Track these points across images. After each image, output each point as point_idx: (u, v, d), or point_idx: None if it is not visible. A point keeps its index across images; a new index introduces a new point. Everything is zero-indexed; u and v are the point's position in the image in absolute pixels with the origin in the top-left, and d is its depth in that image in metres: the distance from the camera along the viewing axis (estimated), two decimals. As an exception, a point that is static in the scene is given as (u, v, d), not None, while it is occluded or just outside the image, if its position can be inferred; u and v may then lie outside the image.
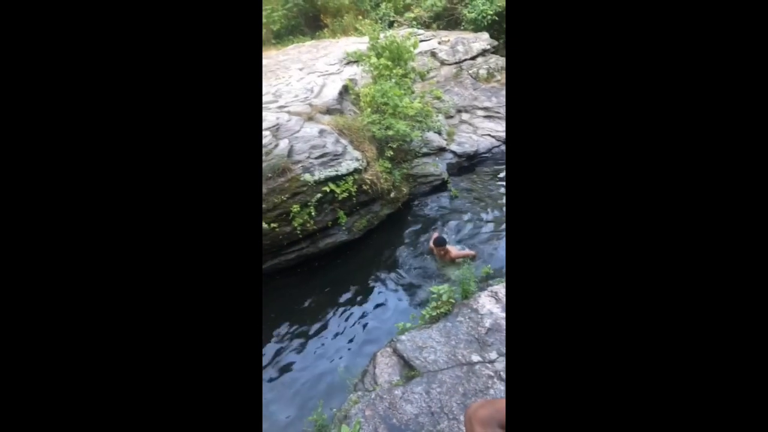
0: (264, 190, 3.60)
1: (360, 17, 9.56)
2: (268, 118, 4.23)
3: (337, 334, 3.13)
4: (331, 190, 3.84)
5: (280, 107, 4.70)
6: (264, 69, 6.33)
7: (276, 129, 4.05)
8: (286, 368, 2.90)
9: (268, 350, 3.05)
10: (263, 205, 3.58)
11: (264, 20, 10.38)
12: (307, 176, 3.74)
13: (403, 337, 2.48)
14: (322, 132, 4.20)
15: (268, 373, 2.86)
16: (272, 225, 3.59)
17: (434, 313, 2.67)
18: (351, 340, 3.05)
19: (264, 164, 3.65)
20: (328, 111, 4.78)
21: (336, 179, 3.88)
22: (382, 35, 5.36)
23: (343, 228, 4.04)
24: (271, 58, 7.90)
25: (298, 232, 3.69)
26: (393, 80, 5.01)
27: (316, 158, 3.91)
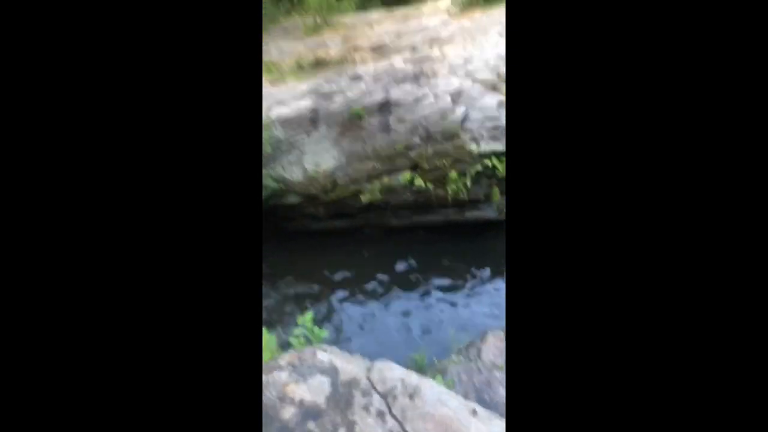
0: (430, 151, 3.85)
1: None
2: (452, 82, 4.34)
3: (455, 301, 3.28)
4: (493, 165, 3.78)
5: (467, 73, 4.71)
6: (462, 32, 6.32)
7: (457, 94, 4.14)
8: (403, 309, 3.27)
9: (394, 284, 3.48)
10: (425, 166, 3.85)
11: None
12: (473, 146, 3.78)
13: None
14: (500, 104, 4.07)
15: (394, 305, 3.29)
16: (428, 185, 3.85)
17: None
18: (469, 310, 3.16)
19: (437, 127, 3.85)
20: (515, 82, 4.52)
21: (501, 155, 3.78)
22: None
23: (494, 206, 3.97)
24: (474, 20, 7.76)
25: (450, 198, 3.85)
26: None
27: (488, 130, 3.86)
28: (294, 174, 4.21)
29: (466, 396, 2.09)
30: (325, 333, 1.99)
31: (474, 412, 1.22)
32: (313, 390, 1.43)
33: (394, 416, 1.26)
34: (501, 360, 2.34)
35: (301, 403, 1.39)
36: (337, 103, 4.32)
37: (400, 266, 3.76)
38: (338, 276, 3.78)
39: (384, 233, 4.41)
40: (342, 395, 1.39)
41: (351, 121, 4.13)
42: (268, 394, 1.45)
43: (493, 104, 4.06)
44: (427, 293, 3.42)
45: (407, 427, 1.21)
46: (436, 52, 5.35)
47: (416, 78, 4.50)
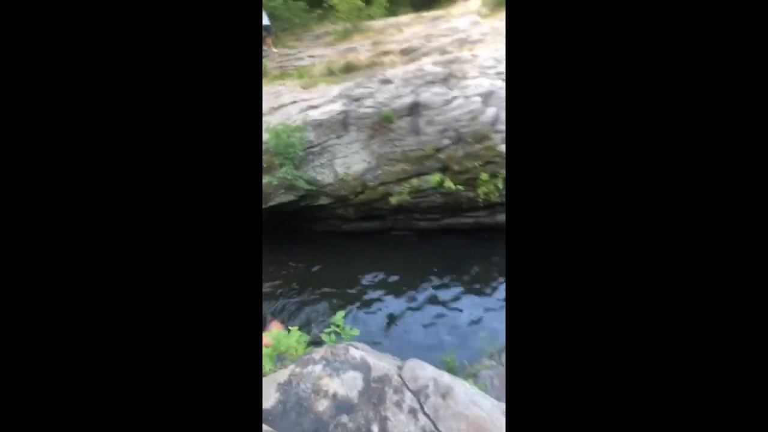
0: (460, 153, 3.82)
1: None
2: (483, 83, 4.30)
3: (487, 306, 3.23)
4: (526, 167, 3.70)
5: (498, 73, 4.65)
6: (493, 32, 6.24)
7: (488, 95, 4.09)
8: (433, 312, 3.25)
9: (424, 288, 3.47)
10: (455, 168, 3.83)
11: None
12: (502, 147, 3.72)
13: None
14: (534, 104, 3.98)
15: (421, 312, 3.29)
16: (458, 187, 3.82)
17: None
18: (502, 314, 3.10)
19: (467, 128, 3.82)
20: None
21: (534, 156, 3.69)
22: None
23: (527, 208, 3.88)
24: (503, 20, 7.65)
25: (480, 200, 3.80)
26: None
27: (520, 131, 3.78)
28: (325, 176, 4.32)
29: (498, 400, 2.06)
30: (356, 332, 2.02)
31: (508, 414, 1.21)
32: (347, 384, 1.47)
33: (426, 414, 1.26)
34: (534, 365, 2.28)
35: (334, 397, 1.43)
36: (367, 106, 4.39)
37: (430, 269, 3.75)
38: (368, 277, 3.82)
39: (413, 236, 4.41)
40: (374, 391, 1.42)
41: (381, 124, 4.18)
42: (303, 387, 1.49)
43: (525, 104, 3.98)
44: (457, 297, 3.39)
45: (440, 426, 1.21)
46: (466, 53, 5.31)
47: (446, 80, 4.49)
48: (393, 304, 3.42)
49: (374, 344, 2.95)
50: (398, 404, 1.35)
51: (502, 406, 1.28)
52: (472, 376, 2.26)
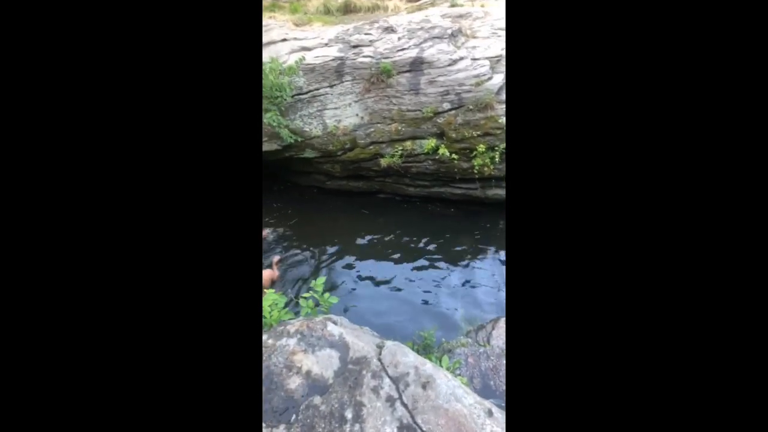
0: (460, 120, 3.60)
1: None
2: (493, 45, 3.97)
3: (467, 282, 3.21)
4: (525, 143, 3.54)
5: (510, 36, 4.30)
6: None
7: (497, 60, 3.80)
8: (413, 282, 3.21)
9: (407, 256, 3.41)
10: (452, 135, 3.62)
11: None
12: (504, 120, 3.51)
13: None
14: (544, 76, 3.73)
15: (403, 274, 3.24)
16: (453, 156, 3.64)
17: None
18: (480, 291, 3.09)
19: (470, 94, 3.57)
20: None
21: (536, 133, 3.52)
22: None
23: (519, 185, 3.78)
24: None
25: (475, 171, 3.66)
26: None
27: (525, 103, 3.57)
28: (313, 128, 4.01)
29: (471, 380, 2.06)
30: (335, 300, 1.93)
31: (489, 413, 1.16)
32: (322, 363, 1.38)
33: (404, 405, 1.20)
34: (510, 347, 2.29)
35: (308, 375, 1.34)
36: (366, 55, 4.00)
37: (414, 237, 3.66)
38: (350, 239, 3.71)
39: (400, 201, 4.27)
40: (351, 373, 1.34)
41: (379, 78, 3.85)
42: (275, 360, 1.40)
43: (534, 75, 3.73)
44: (439, 270, 3.34)
45: (418, 419, 1.15)
46: (477, 8, 4.87)
47: (454, 36, 4.12)
48: (374, 270, 3.35)
49: (352, 312, 2.90)
50: (375, 390, 1.28)
51: (485, 402, 1.23)
52: (447, 352, 2.25)
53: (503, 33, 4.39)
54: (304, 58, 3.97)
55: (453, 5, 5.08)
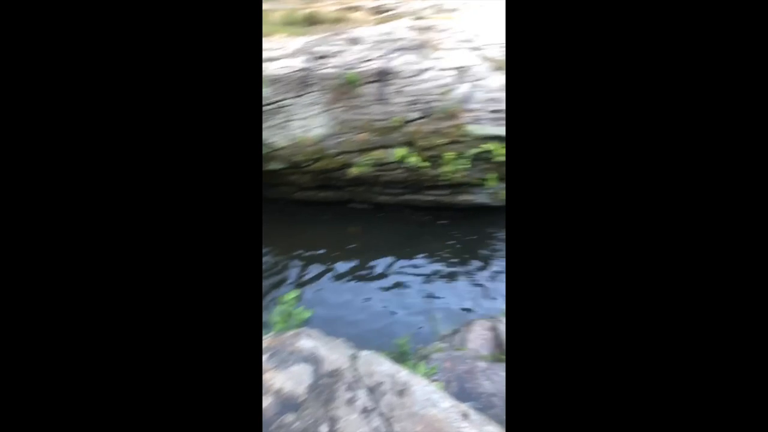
0: (429, 128, 3.67)
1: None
2: (458, 56, 4.10)
3: (441, 287, 3.23)
4: (491, 150, 3.65)
5: (474, 48, 4.47)
6: (474, 2, 5.98)
7: (462, 71, 3.92)
8: (388, 290, 3.19)
9: (380, 264, 3.39)
10: (421, 143, 3.68)
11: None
12: (472, 127, 3.62)
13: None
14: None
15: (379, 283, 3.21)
16: (422, 164, 3.69)
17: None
18: (454, 295, 3.12)
19: (437, 103, 3.65)
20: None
21: (500, 140, 3.65)
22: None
23: (489, 191, 3.88)
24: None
25: (443, 179, 3.72)
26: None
27: (490, 112, 3.69)
28: (278, 139, 3.94)
29: (448, 384, 2.06)
30: (308, 314, 1.88)
31: (465, 416, 1.16)
32: (294, 379, 1.32)
33: (381, 414, 1.17)
34: (485, 349, 2.31)
35: (279, 392, 1.28)
36: (332, 66, 4.01)
37: (386, 245, 3.65)
38: (320, 251, 3.65)
39: (371, 209, 4.26)
40: (325, 386, 1.29)
41: (345, 88, 3.86)
42: (244, 379, 1.33)
43: (498, 85, 3.88)
44: (411, 276, 3.34)
45: (395, 428, 1.13)
46: (443, 21, 5.03)
47: (420, 48, 4.22)
48: (346, 281, 3.30)
49: (326, 323, 2.83)
50: (350, 402, 1.24)
51: (461, 406, 1.22)
52: (424, 359, 2.24)
53: (467, 45, 4.56)
54: (266, 69, 3.92)
55: (418, 18, 5.22)
